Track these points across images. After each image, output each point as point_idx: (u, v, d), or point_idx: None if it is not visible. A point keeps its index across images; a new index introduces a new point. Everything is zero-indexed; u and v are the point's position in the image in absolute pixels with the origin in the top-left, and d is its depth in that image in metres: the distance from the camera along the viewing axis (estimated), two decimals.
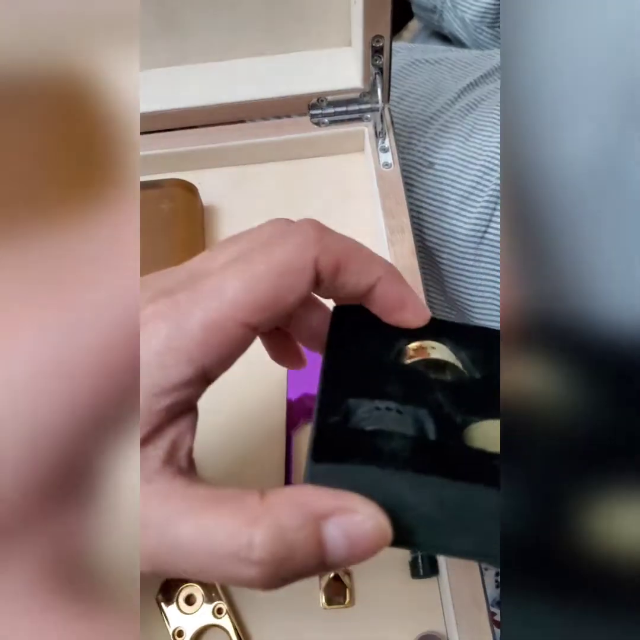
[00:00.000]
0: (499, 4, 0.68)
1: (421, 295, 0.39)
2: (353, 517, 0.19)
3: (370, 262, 0.24)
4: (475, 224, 0.54)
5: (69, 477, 0.17)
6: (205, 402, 0.40)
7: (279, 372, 0.40)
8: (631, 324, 0.21)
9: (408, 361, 0.27)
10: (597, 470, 0.19)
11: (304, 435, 0.39)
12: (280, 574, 0.18)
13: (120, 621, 0.17)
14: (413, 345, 0.28)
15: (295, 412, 0.39)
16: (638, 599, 0.17)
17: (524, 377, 0.21)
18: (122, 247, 0.18)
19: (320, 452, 0.21)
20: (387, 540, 0.19)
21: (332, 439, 0.22)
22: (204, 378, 0.21)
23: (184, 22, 0.45)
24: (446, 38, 0.80)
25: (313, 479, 0.21)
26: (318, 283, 0.22)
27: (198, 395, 0.22)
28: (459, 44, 0.77)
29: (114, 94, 0.19)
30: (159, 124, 0.47)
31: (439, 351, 0.28)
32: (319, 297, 0.27)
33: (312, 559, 0.18)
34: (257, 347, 0.39)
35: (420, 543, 0.21)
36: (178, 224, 0.43)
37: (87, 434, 0.17)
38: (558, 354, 0.22)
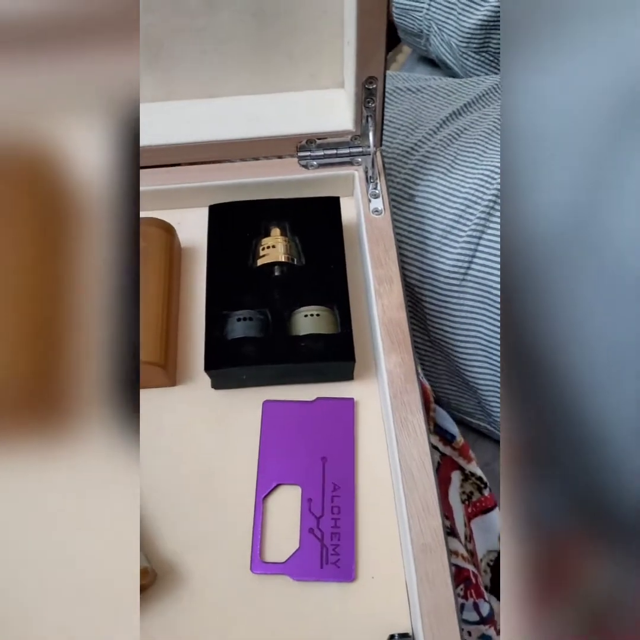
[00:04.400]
0: (483, 29, 0.65)
1: (409, 349, 0.36)
2: None
3: None
4: (458, 260, 0.50)
5: None
6: (177, 468, 0.37)
7: (252, 438, 0.39)
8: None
9: (258, 263, 0.39)
10: None
11: (275, 497, 0.36)
12: None
13: None
14: (261, 245, 0.40)
15: (265, 478, 0.37)
16: None
17: None
18: None
19: (208, 362, 0.37)
20: None
21: (213, 351, 0.37)
22: None
23: (171, 57, 0.43)
24: (434, 64, 0.77)
25: (211, 377, 0.38)
26: None
27: None
28: (447, 68, 0.74)
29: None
30: (143, 160, 0.45)
31: (279, 246, 0.39)
32: None
33: None
34: (230, 413, 0.37)
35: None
36: (149, 264, 0.40)
37: None
38: None
